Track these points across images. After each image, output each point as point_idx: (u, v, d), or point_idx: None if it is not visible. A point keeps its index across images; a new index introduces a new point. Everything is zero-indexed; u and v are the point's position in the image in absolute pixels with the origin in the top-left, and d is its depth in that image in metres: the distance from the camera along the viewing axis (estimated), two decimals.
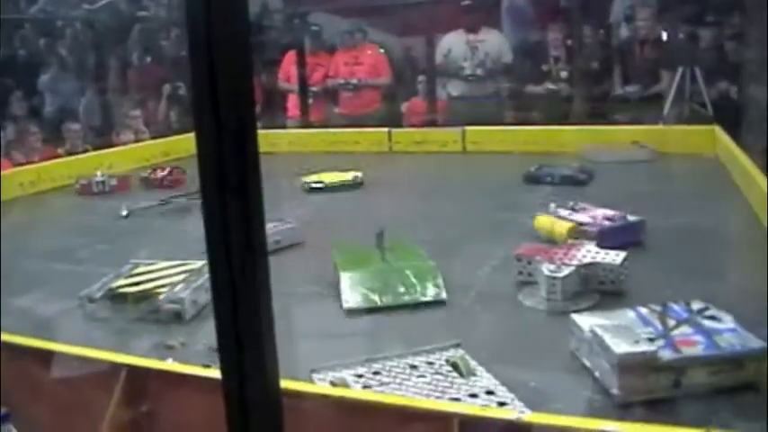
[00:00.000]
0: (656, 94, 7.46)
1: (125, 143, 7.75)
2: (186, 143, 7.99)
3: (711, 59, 7.35)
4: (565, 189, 5.25)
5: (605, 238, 3.67)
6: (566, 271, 3.09)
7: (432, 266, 3.40)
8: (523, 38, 8.26)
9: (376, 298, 3.24)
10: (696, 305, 2.66)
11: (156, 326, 3.16)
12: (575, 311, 2.76)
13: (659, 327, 2.48)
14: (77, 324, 3.25)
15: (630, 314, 2.60)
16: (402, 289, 3.27)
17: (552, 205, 4.22)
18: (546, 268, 3.14)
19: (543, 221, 4.10)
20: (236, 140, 1.07)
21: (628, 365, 2.22)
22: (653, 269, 3.48)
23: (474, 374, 2.39)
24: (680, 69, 7.04)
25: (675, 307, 2.65)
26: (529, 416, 1.81)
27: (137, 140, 7.90)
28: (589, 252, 3.33)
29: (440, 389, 2.32)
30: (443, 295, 3.22)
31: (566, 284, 3.06)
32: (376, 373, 2.47)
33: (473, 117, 7.46)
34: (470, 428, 1.81)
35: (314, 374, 2.47)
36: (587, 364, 2.46)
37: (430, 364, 2.51)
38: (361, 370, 2.49)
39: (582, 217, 4.03)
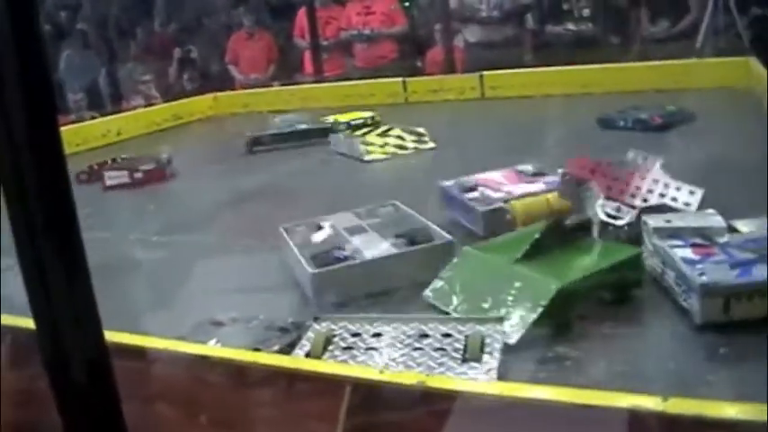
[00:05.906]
0: (689, 28, 6.96)
1: (134, 109, 7.52)
2: (198, 105, 7.75)
3: None
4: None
5: None
6: (628, 217, 2.30)
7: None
8: None
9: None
10: None
11: None
12: None
13: None
14: None
15: None
16: None
17: None
18: (600, 208, 2.36)
19: None
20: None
21: None
22: None
23: (477, 360, 1.84)
24: None
25: None
26: (433, 378, 1.51)
27: (147, 106, 7.67)
28: (656, 183, 2.55)
29: (417, 367, 1.86)
30: None
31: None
32: (377, 334, 2.05)
33: (493, 63, 7.05)
34: (365, 395, 1.52)
35: (314, 322, 2.12)
36: None
37: (446, 335, 1.99)
38: (364, 328, 2.08)
39: None
